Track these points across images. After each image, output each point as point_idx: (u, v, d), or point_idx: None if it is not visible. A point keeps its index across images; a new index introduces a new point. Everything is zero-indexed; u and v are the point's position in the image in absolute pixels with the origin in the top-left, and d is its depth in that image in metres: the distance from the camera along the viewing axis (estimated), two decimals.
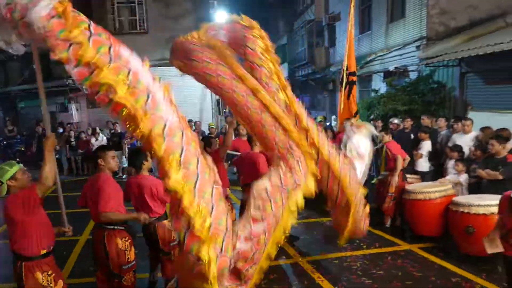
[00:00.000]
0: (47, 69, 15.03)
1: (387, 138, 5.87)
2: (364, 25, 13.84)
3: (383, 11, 12.20)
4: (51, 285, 2.74)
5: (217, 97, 15.83)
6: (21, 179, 2.73)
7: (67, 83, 13.26)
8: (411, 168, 6.34)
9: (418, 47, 10.20)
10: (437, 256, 4.66)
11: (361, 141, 4.14)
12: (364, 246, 5.09)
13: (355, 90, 7.47)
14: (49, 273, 2.75)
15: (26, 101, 16.98)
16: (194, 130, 10.13)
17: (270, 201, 2.53)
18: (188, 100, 11.91)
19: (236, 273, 2.36)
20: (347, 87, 7.31)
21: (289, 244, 5.02)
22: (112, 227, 3.26)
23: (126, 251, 3.28)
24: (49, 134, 2.70)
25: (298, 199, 2.64)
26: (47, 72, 14.97)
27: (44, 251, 2.76)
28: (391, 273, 4.31)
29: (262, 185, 2.60)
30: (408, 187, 5.42)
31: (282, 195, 2.59)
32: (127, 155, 10.36)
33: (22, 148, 12.40)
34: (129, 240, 3.35)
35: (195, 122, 10.65)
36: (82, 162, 11.34)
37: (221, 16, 13.77)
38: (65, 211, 3.15)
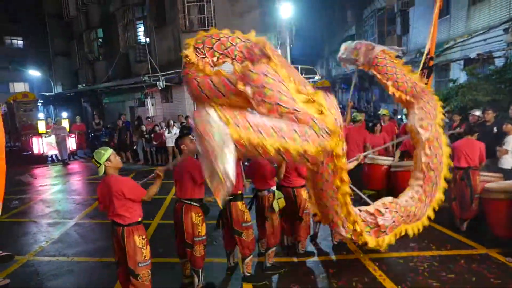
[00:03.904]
0: (127, 67, 16.50)
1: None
2: (441, 9, 12.66)
3: None
4: (144, 247, 3.25)
5: None
6: (114, 161, 3.24)
7: (143, 79, 14.35)
8: (494, 165, 5.69)
9: (505, 30, 9.09)
10: None
11: None
12: (434, 247, 4.73)
13: (431, 78, 6.85)
14: (143, 237, 3.28)
15: (110, 97, 18.79)
16: None
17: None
18: None
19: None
20: (426, 72, 6.73)
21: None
22: (189, 202, 3.69)
23: (198, 225, 3.68)
24: (159, 171, 3.45)
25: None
26: (127, 71, 16.42)
27: (140, 219, 3.29)
28: (463, 277, 3.95)
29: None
30: (489, 185, 4.90)
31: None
32: None
33: (106, 140, 13.73)
34: (202, 216, 3.72)
35: None
36: (156, 153, 12.23)
37: (285, 9, 13.64)
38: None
